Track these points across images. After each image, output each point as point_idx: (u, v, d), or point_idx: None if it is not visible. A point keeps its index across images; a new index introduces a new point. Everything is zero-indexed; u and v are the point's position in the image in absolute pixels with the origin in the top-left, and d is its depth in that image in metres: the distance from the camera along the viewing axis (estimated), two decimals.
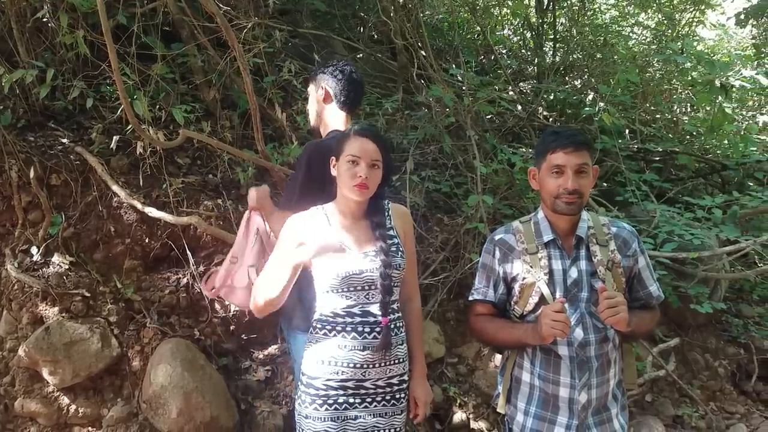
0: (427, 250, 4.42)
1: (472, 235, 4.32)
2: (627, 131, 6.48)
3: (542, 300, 2.22)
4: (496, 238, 2.40)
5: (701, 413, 4.51)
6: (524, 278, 2.27)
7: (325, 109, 2.78)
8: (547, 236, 2.29)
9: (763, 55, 8.51)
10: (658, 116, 7.39)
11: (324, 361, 2.25)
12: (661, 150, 6.18)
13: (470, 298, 2.45)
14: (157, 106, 3.93)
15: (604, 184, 6.18)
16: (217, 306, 3.77)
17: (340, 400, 2.25)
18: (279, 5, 5.97)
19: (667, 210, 4.89)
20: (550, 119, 6.25)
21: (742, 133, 6.27)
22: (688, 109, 7.82)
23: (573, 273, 2.24)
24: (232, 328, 3.79)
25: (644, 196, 5.25)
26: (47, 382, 3.37)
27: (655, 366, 4.42)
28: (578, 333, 2.19)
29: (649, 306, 2.41)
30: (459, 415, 4.03)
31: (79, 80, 3.87)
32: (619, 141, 6.06)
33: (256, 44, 3.87)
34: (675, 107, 7.77)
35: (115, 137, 3.67)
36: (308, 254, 2.16)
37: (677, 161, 6.13)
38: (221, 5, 3.62)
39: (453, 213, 4.77)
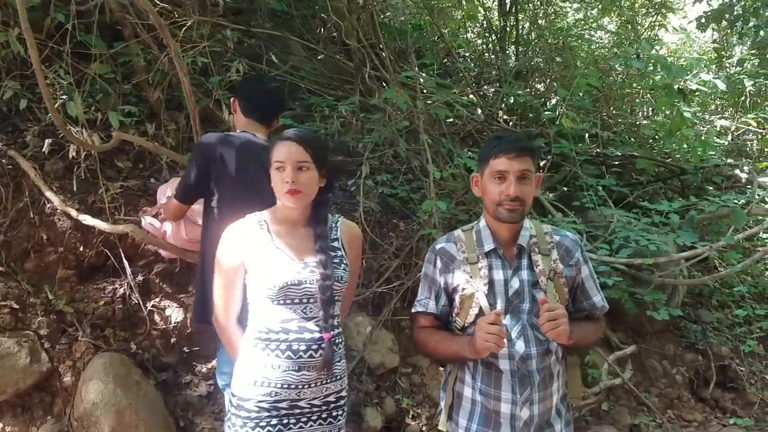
0: (381, 257, 4.31)
1: (426, 241, 4.22)
2: (587, 135, 6.45)
3: (482, 312, 2.13)
4: (438, 247, 2.32)
5: (658, 422, 4.46)
6: (464, 289, 2.19)
7: (236, 119, 3.06)
8: (488, 245, 2.22)
9: (723, 59, 8.59)
10: (620, 120, 7.40)
11: (256, 381, 2.13)
12: (620, 154, 6.15)
13: (413, 310, 2.37)
14: (93, 107, 3.74)
15: (564, 189, 6.15)
16: (157, 317, 3.61)
17: (273, 422, 2.13)
18: (233, 4, 5.83)
19: (625, 215, 4.84)
20: (510, 123, 6.19)
21: (702, 137, 6.27)
22: (650, 113, 7.84)
23: (514, 283, 2.17)
24: (173, 340, 3.63)
25: (602, 201, 5.20)
26: None
27: (611, 374, 4.35)
28: (519, 346, 2.11)
29: (593, 317, 2.34)
30: (412, 428, 3.93)
31: (12, 80, 3.68)
32: (579, 145, 6.03)
33: (200, 43, 3.72)
34: (637, 111, 7.79)
35: (47, 140, 3.48)
36: None
37: (637, 165, 6.12)
38: (160, 2, 3.48)
39: (409, 219, 4.67)
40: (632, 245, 4.37)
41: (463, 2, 6.36)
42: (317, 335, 2.13)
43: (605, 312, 2.36)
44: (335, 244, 2.28)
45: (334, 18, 4.88)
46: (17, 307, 3.31)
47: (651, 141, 7.21)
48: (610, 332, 4.78)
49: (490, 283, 2.16)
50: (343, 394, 2.29)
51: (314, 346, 2.13)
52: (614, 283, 4.30)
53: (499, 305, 2.13)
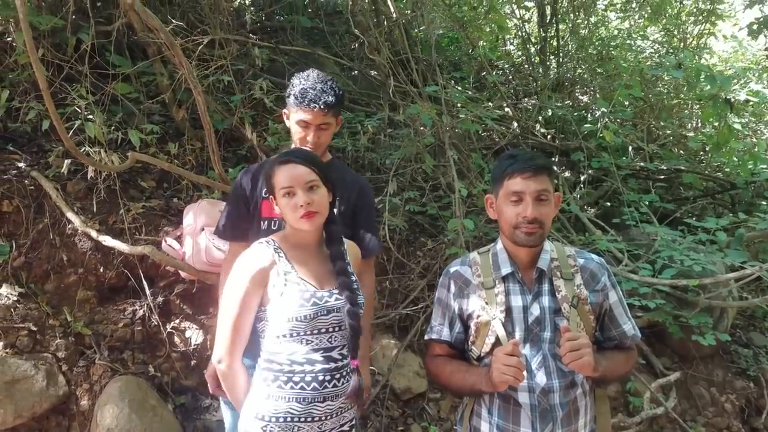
0: (407, 277, 4.16)
1: (453, 261, 4.05)
2: (631, 149, 6.18)
3: (499, 341, 1.99)
4: (452, 270, 2.19)
5: None
6: (479, 316, 2.04)
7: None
8: (505, 269, 2.07)
9: None
10: (667, 132, 7.10)
11: (279, 418, 1.98)
12: (665, 168, 5.87)
13: (426, 337, 2.24)
14: (113, 127, 3.72)
15: (607, 204, 5.91)
16: (177, 339, 3.53)
17: None
18: (267, 23, 5.83)
19: (669, 233, 4.57)
20: (548, 137, 5.98)
21: (754, 149, 5.92)
22: (698, 125, 7.50)
23: (535, 310, 2.01)
24: (193, 363, 3.55)
25: (645, 217, 4.94)
26: None
27: (653, 402, 4.09)
28: (540, 378, 1.95)
29: (623, 347, 2.15)
30: None
31: (36, 101, 3.70)
32: (623, 159, 5.79)
33: (222, 61, 3.67)
34: (684, 123, 7.46)
35: (66, 161, 3.47)
36: None
37: (683, 180, 5.82)
38: (180, 20, 3.45)
39: (438, 237, 4.51)
40: (677, 265, 4.11)
41: (491, 15, 6.17)
42: (341, 363, 2.03)
43: (637, 341, 2.18)
44: (349, 269, 2.15)
45: (357, 32, 4.78)
46: (35, 329, 3.28)
47: (699, 154, 6.88)
48: (653, 358, 4.51)
49: (508, 310, 2.01)
50: (354, 422, 2.17)
51: (337, 375, 2.02)
52: (657, 306, 4.05)
53: (518, 334, 1.99)
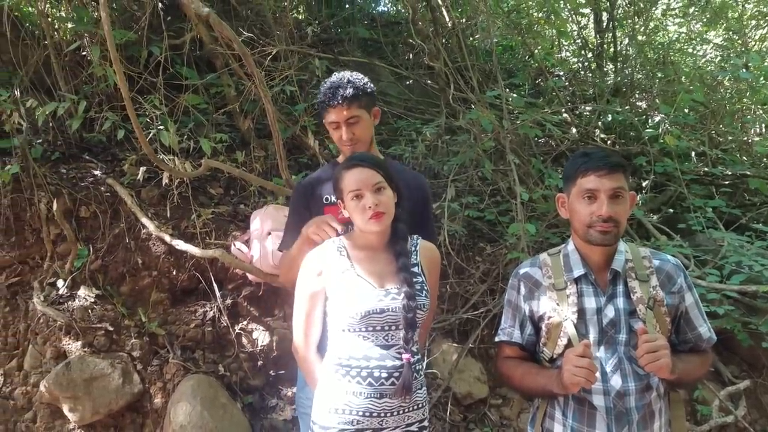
0: (467, 282, 4.17)
1: (514, 265, 4.03)
2: (693, 154, 6.05)
3: (571, 343, 1.97)
4: (521, 272, 2.18)
5: None
6: (550, 317, 2.03)
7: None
8: (578, 270, 2.05)
9: None
10: (729, 137, 6.92)
11: (337, 409, 2.06)
12: (730, 173, 5.71)
13: (496, 339, 2.24)
14: (185, 136, 3.86)
15: (670, 210, 5.79)
16: (244, 340, 3.63)
17: None
18: (324, 35, 5.95)
19: (737, 239, 4.45)
20: (608, 142, 5.90)
21: None
22: (763, 130, 7.28)
23: (609, 312, 1.99)
24: (259, 363, 3.64)
25: (711, 223, 4.82)
26: (68, 419, 3.29)
27: (722, 411, 3.98)
28: (616, 381, 1.94)
29: (699, 349, 2.12)
30: None
31: (112, 112, 3.87)
32: (685, 164, 5.67)
33: (285, 72, 3.77)
34: (748, 127, 7.25)
35: (142, 168, 3.63)
36: None
37: (749, 185, 5.66)
38: (247, 32, 3.56)
39: (496, 242, 4.51)
40: (745, 271, 4.01)
41: (552, 17, 6.15)
42: (398, 362, 2.05)
43: (712, 344, 2.13)
44: (415, 269, 2.18)
45: (418, 41, 4.83)
46: (112, 329, 3.43)
47: (765, 159, 6.66)
48: (721, 365, 4.39)
49: (581, 312, 2.00)
50: (425, 423, 2.18)
51: (396, 374, 2.04)
52: (726, 313, 3.94)
53: (592, 336, 1.97)
